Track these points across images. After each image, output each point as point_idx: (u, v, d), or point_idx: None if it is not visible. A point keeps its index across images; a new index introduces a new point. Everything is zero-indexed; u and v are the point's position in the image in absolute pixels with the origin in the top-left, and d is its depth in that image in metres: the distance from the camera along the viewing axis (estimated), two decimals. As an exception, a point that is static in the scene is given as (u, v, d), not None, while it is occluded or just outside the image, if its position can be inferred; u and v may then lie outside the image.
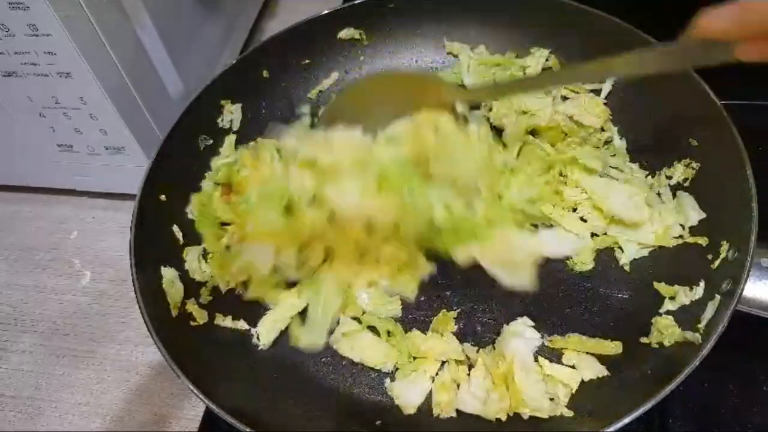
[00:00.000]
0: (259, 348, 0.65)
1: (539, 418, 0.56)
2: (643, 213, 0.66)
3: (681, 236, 0.65)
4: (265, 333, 0.65)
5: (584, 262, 0.67)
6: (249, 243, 0.67)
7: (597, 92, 0.77)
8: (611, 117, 0.75)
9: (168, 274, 0.66)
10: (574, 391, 0.58)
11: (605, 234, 0.68)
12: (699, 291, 0.59)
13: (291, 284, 0.68)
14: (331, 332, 0.65)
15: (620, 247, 0.67)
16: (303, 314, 0.66)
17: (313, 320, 0.65)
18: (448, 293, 0.67)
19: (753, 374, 0.63)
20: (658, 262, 0.65)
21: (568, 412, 0.56)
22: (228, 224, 0.72)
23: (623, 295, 0.64)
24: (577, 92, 0.77)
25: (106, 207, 0.92)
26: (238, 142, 0.79)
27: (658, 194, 0.69)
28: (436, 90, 0.66)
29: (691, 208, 0.65)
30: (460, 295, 0.67)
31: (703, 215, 0.64)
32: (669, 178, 0.69)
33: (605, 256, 0.67)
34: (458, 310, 0.66)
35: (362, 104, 0.69)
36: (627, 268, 0.66)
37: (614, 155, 0.73)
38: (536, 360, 0.60)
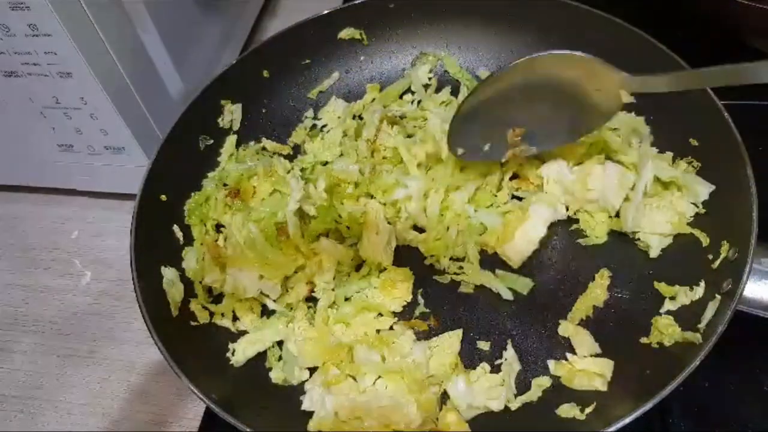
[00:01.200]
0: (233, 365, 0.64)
1: (544, 414, 0.57)
2: (619, 200, 0.66)
3: (697, 213, 0.64)
4: (240, 351, 0.64)
5: (598, 236, 0.67)
6: (235, 266, 0.67)
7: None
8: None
9: (168, 273, 0.66)
10: (609, 379, 0.58)
11: (617, 216, 0.67)
12: (699, 291, 0.59)
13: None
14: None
15: (647, 244, 0.66)
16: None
17: (287, 358, 0.64)
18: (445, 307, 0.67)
19: (753, 374, 0.63)
20: (658, 262, 0.65)
21: (580, 415, 0.56)
22: (223, 226, 0.72)
23: (623, 295, 0.64)
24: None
25: (106, 207, 0.92)
26: (239, 143, 0.79)
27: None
28: (602, 77, 0.58)
29: (697, 183, 0.64)
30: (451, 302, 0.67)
31: (713, 187, 0.64)
32: None
33: (607, 257, 0.67)
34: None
35: (503, 106, 0.62)
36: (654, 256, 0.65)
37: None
38: (566, 359, 0.60)
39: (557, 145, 0.68)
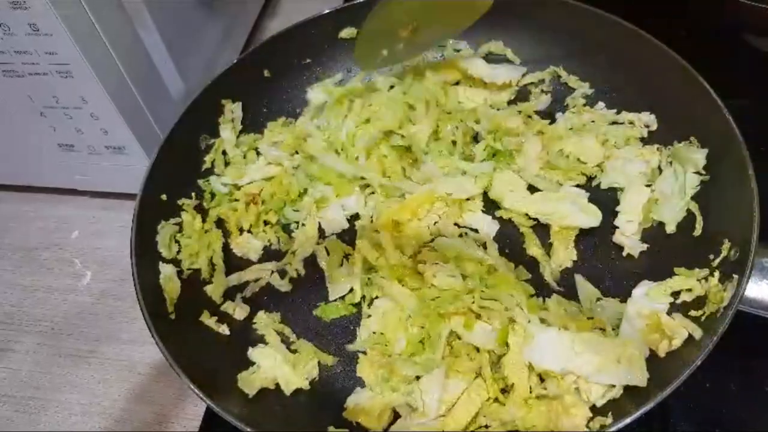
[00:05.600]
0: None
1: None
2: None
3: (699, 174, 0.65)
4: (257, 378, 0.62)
5: None
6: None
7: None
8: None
9: (165, 270, 0.66)
10: None
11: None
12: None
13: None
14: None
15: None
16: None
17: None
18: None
19: (753, 374, 0.63)
20: (659, 260, 0.65)
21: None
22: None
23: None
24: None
25: (106, 207, 0.92)
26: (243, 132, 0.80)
27: (659, 168, 0.69)
28: None
29: (694, 154, 0.66)
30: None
31: (706, 150, 0.65)
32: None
33: (610, 254, 0.67)
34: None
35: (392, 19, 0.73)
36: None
37: None
38: None
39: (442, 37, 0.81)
